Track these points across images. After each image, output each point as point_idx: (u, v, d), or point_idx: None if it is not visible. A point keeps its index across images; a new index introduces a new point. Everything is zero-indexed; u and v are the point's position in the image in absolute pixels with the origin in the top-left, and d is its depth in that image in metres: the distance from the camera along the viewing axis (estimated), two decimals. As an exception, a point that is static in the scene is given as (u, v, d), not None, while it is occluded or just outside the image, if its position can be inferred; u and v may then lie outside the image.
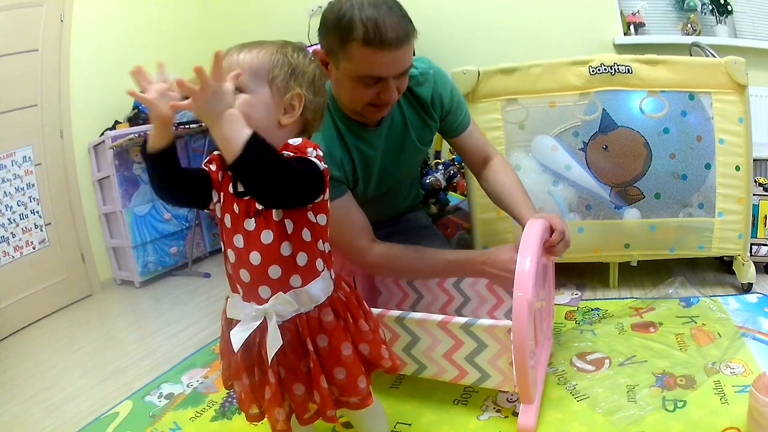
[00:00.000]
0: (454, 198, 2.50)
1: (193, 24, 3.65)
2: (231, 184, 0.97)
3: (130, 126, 3.07)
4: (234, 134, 0.80)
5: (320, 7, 3.23)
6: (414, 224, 1.85)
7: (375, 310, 1.29)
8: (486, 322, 1.28)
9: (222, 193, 0.97)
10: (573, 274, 2.18)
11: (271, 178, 0.83)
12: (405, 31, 1.22)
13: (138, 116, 3.11)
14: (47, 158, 2.89)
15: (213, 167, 0.99)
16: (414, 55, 1.34)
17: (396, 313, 1.37)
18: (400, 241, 1.51)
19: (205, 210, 1.02)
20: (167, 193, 0.97)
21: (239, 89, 0.92)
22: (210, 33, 3.61)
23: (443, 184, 2.47)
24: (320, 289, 0.98)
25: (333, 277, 1.04)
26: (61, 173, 2.95)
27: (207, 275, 3.04)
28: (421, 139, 1.57)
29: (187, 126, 2.97)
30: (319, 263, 0.99)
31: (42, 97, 2.86)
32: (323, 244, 1.00)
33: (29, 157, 2.81)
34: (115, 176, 2.95)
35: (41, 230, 2.85)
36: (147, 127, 2.98)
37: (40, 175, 2.85)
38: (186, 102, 0.81)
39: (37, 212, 2.84)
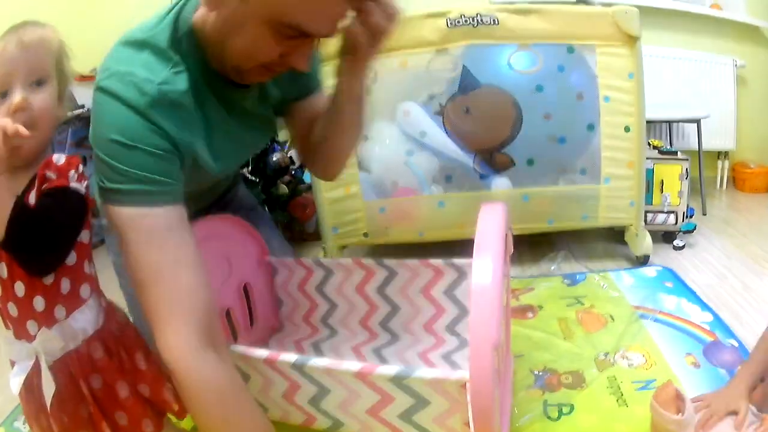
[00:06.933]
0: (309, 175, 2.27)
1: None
2: None
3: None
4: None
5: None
6: (239, 205, 1.48)
7: (261, 352, 1.01)
8: (427, 374, 0.88)
9: None
10: (436, 254, 1.71)
11: (41, 246, 0.76)
12: None
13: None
14: None
15: None
16: None
17: (291, 357, 0.97)
18: None
19: None
20: None
21: (41, 81, 0.79)
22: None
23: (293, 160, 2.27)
24: (86, 320, 0.87)
25: (104, 305, 0.92)
26: None
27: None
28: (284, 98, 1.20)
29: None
30: (85, 289, 0.87)
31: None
32: (89, 265, 0.89)
33: None
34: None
35: None
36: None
37: None
38: None
39: None
